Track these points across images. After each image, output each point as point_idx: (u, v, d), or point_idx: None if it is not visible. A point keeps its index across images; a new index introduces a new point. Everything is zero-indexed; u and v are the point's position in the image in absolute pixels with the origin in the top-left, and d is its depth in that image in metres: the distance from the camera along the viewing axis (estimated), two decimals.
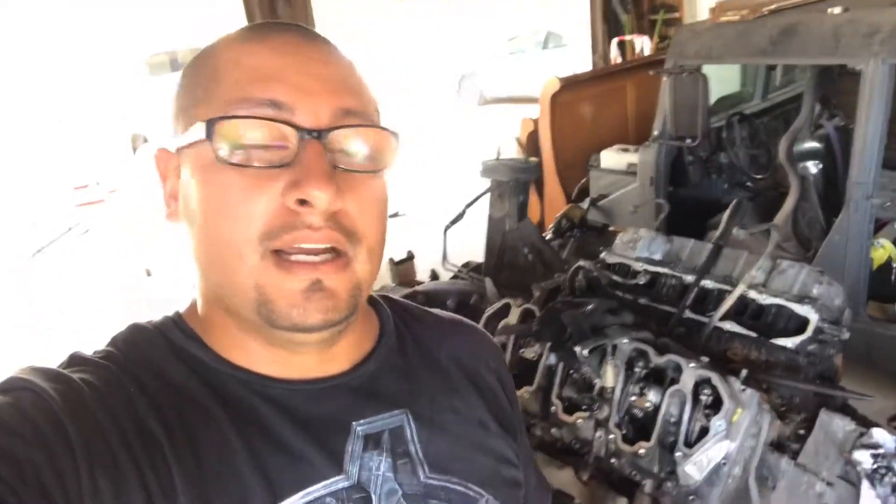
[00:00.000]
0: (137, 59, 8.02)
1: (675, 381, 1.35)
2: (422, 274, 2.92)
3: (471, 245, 2.88)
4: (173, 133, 0.57)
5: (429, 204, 5.62)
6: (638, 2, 7.02)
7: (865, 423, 1.48)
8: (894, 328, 2.92)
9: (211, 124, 0.51)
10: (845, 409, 1.58)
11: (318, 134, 0.52)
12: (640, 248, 1.93)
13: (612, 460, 1.39)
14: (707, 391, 1.31)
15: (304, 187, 0.51)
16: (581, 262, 1.83)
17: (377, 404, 0.61)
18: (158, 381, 0.57)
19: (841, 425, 1.42)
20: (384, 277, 3.47)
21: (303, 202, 0.51)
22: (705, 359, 1.36)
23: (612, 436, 1.38)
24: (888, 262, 3.14)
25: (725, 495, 1.30)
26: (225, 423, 0.56)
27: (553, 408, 1.47)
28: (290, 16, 4.77)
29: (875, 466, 1.35)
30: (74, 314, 4.37)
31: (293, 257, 0.53)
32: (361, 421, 0.60)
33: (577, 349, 1.45)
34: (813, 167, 3.39)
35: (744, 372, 1.35)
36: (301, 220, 0.52)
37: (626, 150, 4.03)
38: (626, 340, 1.42)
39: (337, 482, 0.57)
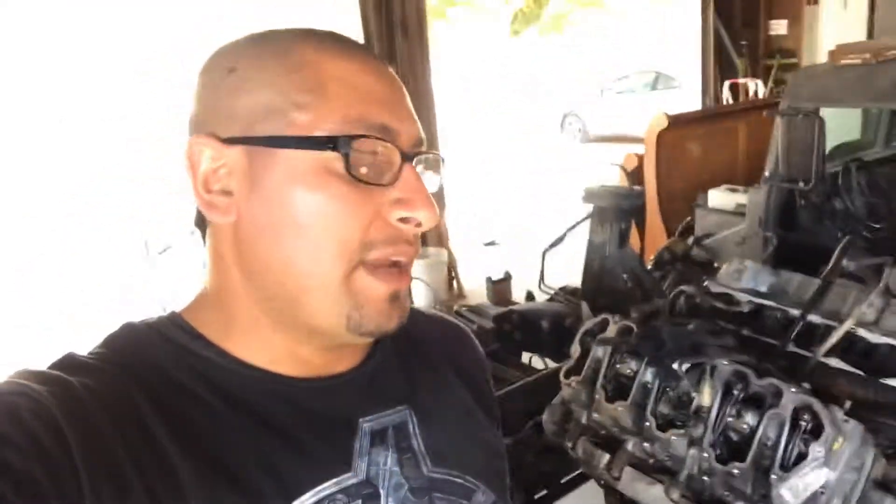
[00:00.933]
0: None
1: (773, 405, 1.35)
2: (518, 295, 2.99)
3: (569, 269, 2.92)
4: (232, 126, 0.56)
5: (528, 232, 5.71)
6: (753, 46, 6.91)
7: None
8: None
9: (348, 140, 0.54)
10: None
11: (412, 158, 0.58)
12: (745, 279, 1.92)
13: (704, 479, 1.40)
14: (807, 417, 1.30)
15: (413, 207, 0.56)
16: (683, 287, 1.84)
17: (380, 401, 0.64)
18: (161, 382, 0.56)
19: None
20: (481, 295, 3.55)
21: (405, 220, 0.57)
22: (807, 385, 1.35)
23: (705, 454, 1.39)
24: None
25: None
26: (234, 422, 0.56)
27: (647, 423, 1.49)
28: (407, 49, 5.02)
29: None
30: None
31: (380, 268, 0.57)
32: (367, 417, 0.62)
33: (676, 365, 1.47)
34: None
35: (847, 403, 1.33)
36: (400, 236, 0.57)
37: (734, 191, 3.97)
38: (725, 362, 1.42)
39: (347, 479, 0.58)
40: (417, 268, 4.69)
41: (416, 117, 0.60)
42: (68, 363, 0.55)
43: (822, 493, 1.27)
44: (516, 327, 2.64)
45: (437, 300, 4.49)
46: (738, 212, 3.77)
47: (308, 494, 0.56)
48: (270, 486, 0.55)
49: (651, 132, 4.47)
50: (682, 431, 1.44)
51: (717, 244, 3.77)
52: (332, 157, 0.54)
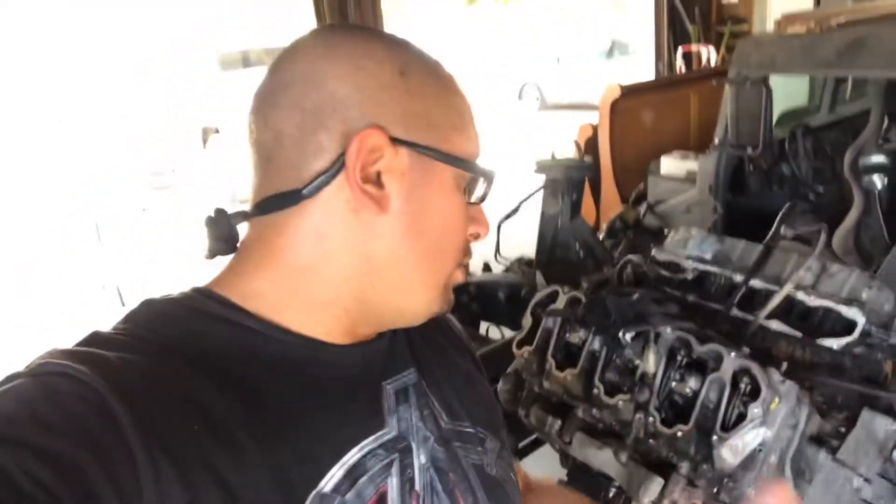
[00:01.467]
0: (210, 54, 8.34)
1: (715, 370, 1.40)
2: (475, 266, 3.01)
3: (525, 240, 2.95)
4: (396, 126, 0.59)
5: (486, 203, 5.71)
6: (705, 13, 6.96)
7: None
8: None
9: (489, 174, 0.65)
10: (891, 412, 1.59)
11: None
12: (691, 246, 1.97)
13: (651, 441, 1.45)
14: (746, 380, 1.35)
15: (483, 227, 0.68)
16: (630, 256, 1.88)
17: (397, 364, 0.69)
18: (206, 353, 0.56)
19: (883, 424, 1.44)
20: None
21: (474, 235, 0.68)
22: (747, 350, 1.40)
23: (651, 418, 1.44)
24: None
25: (760, 481, 1.34)
26: (284, 386, 0.58)
27: (595, 390, 1.53)
28: (359, 18, 4.94)
29: None
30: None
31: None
32: (389, 380, 0.67)
33: (621, 334, 1.51)
34: (878, 181, 3.32)
35: (784, 364, 1.39)
36: (469, 247, 0.68)
37: (686, 157, 4.03)
38: (669, 329, 1.47)
39: (384, 434, 0.63)
40: None
41: None
42: (99, 340, 0.55)
43: (760, 450, 1.33)
44: (473, 298, 2.67)
45: None
46: (690, 178, 3.83)
47: (354, 450, 0.59)
48: (321, 445, 0.58)
49: (604, 102, 4.50)
50: (628, 397, 1.48)
51: (669, 211, 3.84)
52: (464, 177, 0.63)
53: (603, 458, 1.54)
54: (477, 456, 0.70)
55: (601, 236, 3.02)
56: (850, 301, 1.63)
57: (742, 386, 1.36)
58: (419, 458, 0.64)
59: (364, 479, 0.59)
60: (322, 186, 0.58)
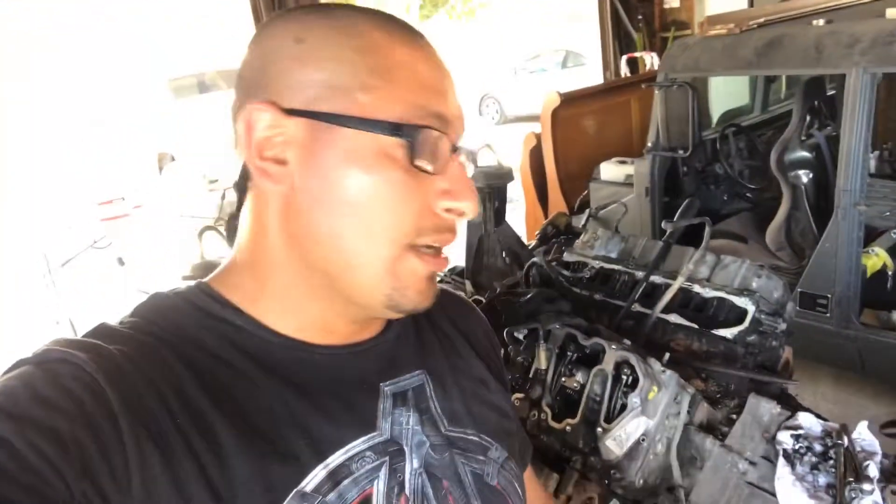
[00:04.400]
0: (162, 80, 8.32)
1: (600, 363, 1.43)
2: None
3: (461, 250, 2.99)
4: (294, 97, 0.56)
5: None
6: (649, 20, 7.10)
7: (797, 410, 1.54)
8: (886, 335, 2.93)
9: (414, 129, 0.56)
10: (785, 399, 1.64)
11: (458, 150, 0.60)
12: (597, 246, 2.02)
13: (543, 437, 1.47)
14: (628, 372, 1.39)
15: (459, 199, 0.59)
16: (534, 259, 1.91)
17: (400, 366, 0.67)
18: (195, 349, 0.58)
19: (768, 408, 1.48)
20: None
21: (450, 210, 0.59)
22: (627, 342, 1.44)
23: (543, 414, 1.47)
24: (883, 270, 3.15)
25: (648, 471, 1.37)
26: (266, 386, 0.58)
27: None
28: None
29: (796, 447, 1.41)
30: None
31: (423, 250, 0.59)
32: (388, 382, 0.65)
33: (516, 333, 1.54)
34: (804, 177, 3.42)
35: (666, 355, 1.43)
36: (445, 224, 0.60)
37: (623, 162, 4.11)
38: (557, 326, 1.50)
39: (374, 437, 0.61)
40: None
41: (462, 108, 0.63)
42: (103, 331, 0.56)
43: (643, 440, 1.36)
44: None
45: None
46: (629, 182, 3.91)
47: (339, 452, 0.59)
48: (304, 446, 0.57)
49: (546, 111, 4.57)
50: (523, 395, 1.51)
51: (610, 215, 3.90)
52: (393, 143, 0.56)
53: None
54: (478, 464, 0.68)
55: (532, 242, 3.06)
56: (741, 291, 1.68)
57: (624, 378, 1.40)
58: (411, 463, 0.63)
59: (348, 481, 0.58)
60: (247, 174, 0.59)
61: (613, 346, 1.41)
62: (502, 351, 1.29)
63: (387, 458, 0.61)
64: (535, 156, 4.74)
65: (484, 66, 12.00)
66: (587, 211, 3.97)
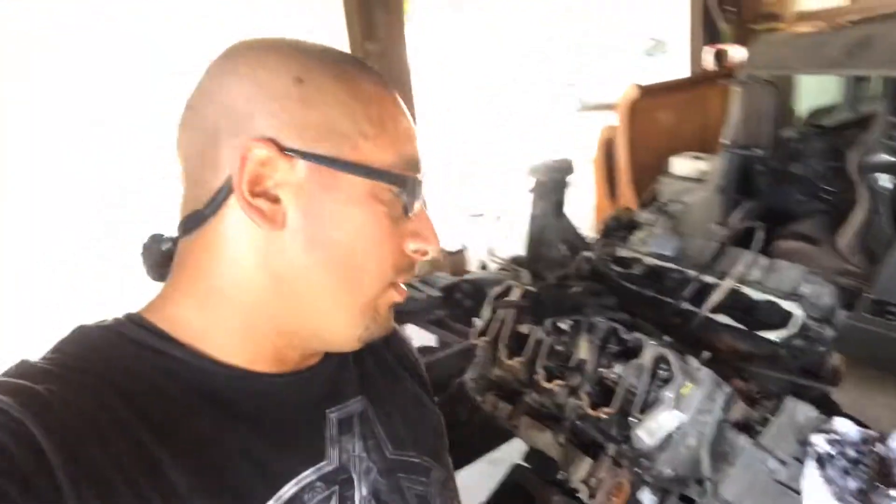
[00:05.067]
0: None
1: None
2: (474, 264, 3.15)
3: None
4: (292, 137, 0.56)
5: (518, 203, 5.84)
6: (741, 11, 6.87)
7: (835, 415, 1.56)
8: None
9: (407, 180, 0.60)
10: (827, 404, 1.66)
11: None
12: (652, 243, 2.06)
13: (582, 424, 1.55)
14: (664, 366, 1.45)
15: (428, 241, 0.63)
16: (584, 252, 1.98)
17: (343, 392, 0.68)
18: (134, 383, 0.55)
19: (804, 411, 1.51)
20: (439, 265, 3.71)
21: (416, 251, 0.63)
22: (667, 338, 1.50)
23: (581, 402, 1.55)
24: None
25: (678, 462, 1.43)
26: (215, 420, 0.57)
27: (537, 376, 1.65)
28: (385, 23, 5.11)
29: (829, 451, 1.44)
30: None
31: (397, 286, 0.64)
32: (333, 408, 0.66)
33: (561, 324, 1.63)
34: (887, 181, 3.30)
35: (704, 353, 1.48)
36: (412, 263, 0.64)
37: (698, 158, 4.07)
38: (601, 319, 1.57)
39: (324, 466, 0.61)
40: None
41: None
42: (26, 371, 0.53)
43: (675, 432, 1.43)
44: (467, 295, 2.80)
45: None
46: (702, 178, 3.87)
47: (290, 483, 0.58)
48: (256, 479, 0.57)
49: (623, 102, 4.56)
50: (563, 382, 1.59)
51: (679, 211, 3.88)
52: (383, 188, 0.59)
53: (544, 440, 1.65)
54: (422, 487, 0.70)
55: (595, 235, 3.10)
56: (789, 295, 1.70)
57: (661, 372, 1.46)
58: (360, 491, 0.63)
59: None
60: (220, 205, 0.57)
61: (652, 342, 1.47)
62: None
63: (336, 488, 0.61)
64: (608, 148, 4.74)
65: (566, 52, 11.89)
66: (654, 205, 3.96)
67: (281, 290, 0.58)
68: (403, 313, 2.89)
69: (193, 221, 0.59)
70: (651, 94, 4.53)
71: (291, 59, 0.58)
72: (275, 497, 0.57)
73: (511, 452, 2.34)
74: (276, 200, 0.57)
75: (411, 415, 0.76)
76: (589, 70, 11.55)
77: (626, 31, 11.20)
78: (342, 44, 4.96)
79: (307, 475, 0.60)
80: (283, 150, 0.56)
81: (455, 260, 3.38)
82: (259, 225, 0.56)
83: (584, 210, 4.65)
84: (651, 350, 1.47)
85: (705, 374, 1.44)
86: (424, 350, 2.61)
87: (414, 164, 0.62)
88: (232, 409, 0.58)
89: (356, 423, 0.67)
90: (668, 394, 1.40)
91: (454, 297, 2.82)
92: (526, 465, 1.87)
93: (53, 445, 0.47)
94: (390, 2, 5.07)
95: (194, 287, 0.60)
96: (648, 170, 4.57)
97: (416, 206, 0.63)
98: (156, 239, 0.64)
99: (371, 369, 0.73)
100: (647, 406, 1.45)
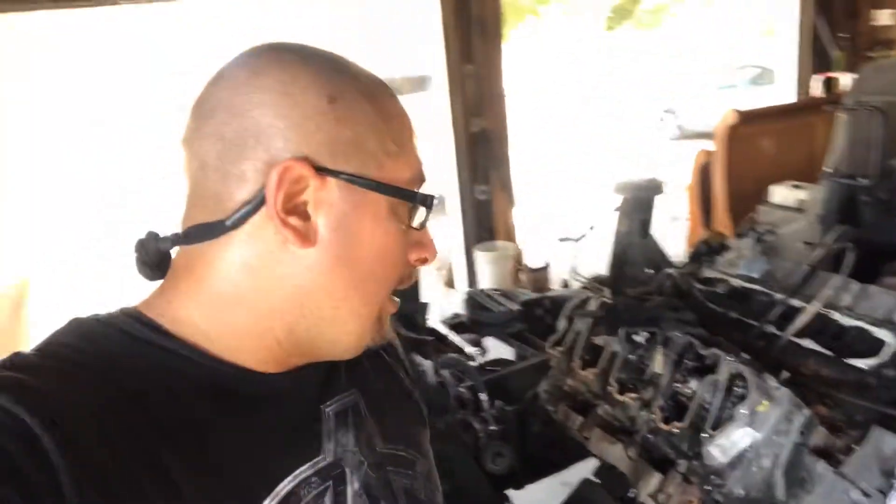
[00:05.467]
0: None
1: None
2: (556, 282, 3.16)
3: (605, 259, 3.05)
4: (324, 155, 0.57)
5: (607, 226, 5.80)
6: (855, 38, 6.60)
7: None
8: None
9: (427, 198, 0.62)
10: None
11: None
12: (741, 265, 2.02)
13: (653, 438, 1.55)
14: (740, 384, 1.43)
15: (429, 252, 0.66)
16: (669, 270, 1.96)
17: (336, 386, 0.69)
18: (135, 379, 0.55)
19: (891, 442, 1.44)
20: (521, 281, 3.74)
21: (418, 260, 0.66)
22: (745, 356, 1.47)
23: (653, 416, 1.54)
24: None
25: (751, 483, 1.40)
26: (218, 417, 0.58)
27: (610, 388, 1.65)
28: (483, 47, 5.23)
29: None
30: None
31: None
32: (328, 402, 0.67)
33: (636, 336, 1.63)
34: None
35: (784, 373, 1.44)
36: (412, 272, 0.66)
37: (798, 187, 3.93)
38: (678, 333, 1.56)
39: (319, 461, 0.62)
40: (484, 258, 4.90)
41: None
42: (21, 364, 0.52)
43: (748, 451, 1.40)
44: (547, 312, 2.82)
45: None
46: (801, 208, 3.73)
47: (288, 479, 0.59)
48: (254, 476, 0.57)
49: (721, 128, 4.47)
50: (636, 395, 1.59)
51: (777, 240, 3.74)
52: (401, 203, 0.61)
53: (614, 454, 1.65)
54: (408, 480, 0.71)
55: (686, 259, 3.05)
56: (882, 322, 1.63)
57: (736, 389, 1.43)
58: (352, 485, 0.64)
59: None
60: (246, 218, 0.57)
61: (729, 358, 1.45)
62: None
63: (330, 483, 0.62)
64: (705, 174, 4.64)
65: (667, 79, 11.69)
66: (750, 234, 3.83)
67: (301, 301, 0.60)
68: (483, 325, 2.94)
69: (209, 231, 0.58)
70: (750, 120, 4.42)
71: (323, 76, 0.59)
72: (273, 493, 0.58)
73: (583, 475, 2.33)
74: (307, 217, 0.58)
75: (399, 407, 0.77)
76: (690, 98, 11.32)
77: (732, 60, 10.92)
78: (440, 65, 5.12)
79: (303, 470, 0.61)
80: (316, 168, 0.57)
81: (538, 277, 3.40)
82: (291, 242, 0.57)
83: (676, 237, 4.57)
84: (727, 366, 1.45)
85: (783, 393, 1.41)
86: (501, 362, 2.64)
87: (423, 179, 0.64)
88: (234, 406, 0.59)
89: (350, 415, 0.68)
90: (742, 410, 1.38)
91: (534, 312, 2.84)
92: (596, 480, 1.86)
93: (55, 444, 0.46)
94: (488, 28, 5.20)
95: (203, 291, 0.60)
96: (746, 198, 4.44)
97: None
98: (153, 237, 0.62)
99: (361, 362, 0.72)
100: (721, 423, 1.43)
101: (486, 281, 4.85)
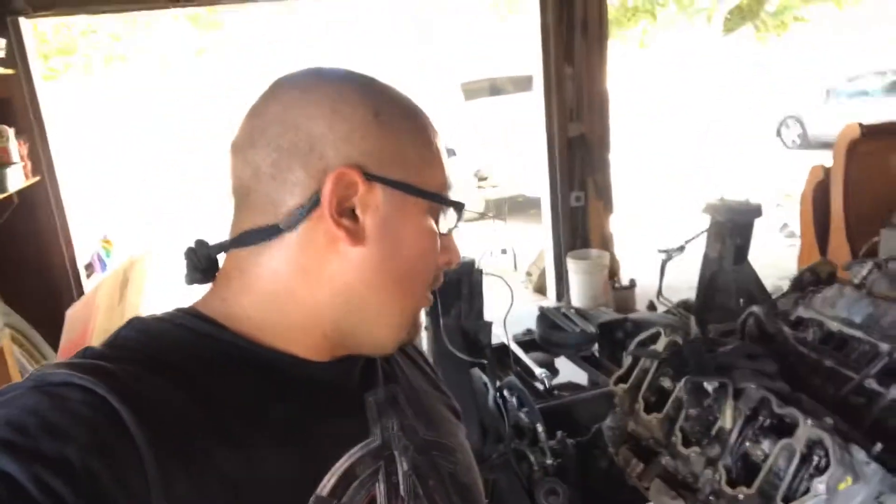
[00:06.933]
0: (455, 83, 8.96)
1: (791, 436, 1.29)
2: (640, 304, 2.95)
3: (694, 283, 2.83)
4: (370, 163, 0.63)
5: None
6: None
7: None
8: None
9: (458, 203, 0.68)
10: None
11: None
12: (840, 306, 1.79)
13: (712, 498, 1.38)
14: (821, 453, 1.24)
15: (455, 257, 0.71)
16: (753, 308, 1.76)
17: (374, 378, 0.73)
18: (200, 365, 0.60)
19: None
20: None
21: (446, 262, 0.71)
22: (829, 420, 1.28)
23: (717, 475, 1.37)
24: None
25: None
26: (274, 394, 0.62)
27: (674, 438, 1.49)
28: (585, 49, 5.04)
29: None
30: None
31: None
32: (370, 392, 0.71)
33: (706, 385, 1.45)
34: None
35: (878, 445, 1.24)
36: (440, 275, 0.71)
37: None
38: (753, 386, 1.38)
39: (370, 443, 0.66)
40: (576, 267, 4.72)
41: None
42: (94, 354, 0.57)
43: None
44: (628, 335, 2.64)
45: (594, 300, 4.50)
46: None
47: (344, 458, 0.63)
48: (317, 452, 0.62)
49: (841, 142, 4.08)
50: (700, 450, 1.42)
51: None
52: (435, 208, 0.67)
53: None
54: (451, 465, 0.74)
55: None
56: None
57: (816, 458, 1.24)
58: (402, 466, 0.68)
59: (355, 484, 0.63)
60: (299, 221, 0.62)
61: (810, 422, 1.26)
62: None
63: (382, 462, 0.66)
64: (820, 191, 4.25)
65: (790, 85, 10.90)
66: (870, 262, 3.46)
67: (350, 299, 0.65)
68: (555, 345, 2.79)
69: (264, 234, 0.63)
70: (875, 135, 3.99)
71: (367, 94, 0.65)
72: (333, 468, 0.62)
73: None
74: (356, 219, 0.63)
75: (434, 401, 0.81)
76: (816, 105, 10.53)
77: (864, 65, 10.06)
78: (536, 66, 4.98)
79: (356, 450, 0.65)
80: (365, 175, 0.62)
81: (622, 296, 3.18)
82: (343, 240, 0.62)
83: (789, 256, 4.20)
84: (807, 430, 1.26)
85: (874, 470, 1.21)
86: (570, 386, 2.50)
87: (451, 186, 0.69)
88: (293, 388, 0.64)
89: (391, 406, 0.72)
90: (820, 485, 1.19)
91: (615, 335, 2.67)
92: None
93: (134, 418, 0.50)
94: (590, 28, 5.01)
95: (255, 290, 0.64)
96: (868, 219, 4.03)
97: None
98: (203, 244, 0.68)
99: (396, 360, 0.78)
100: (795, 495, 1.25)
101: (575, 290, 4.67)
